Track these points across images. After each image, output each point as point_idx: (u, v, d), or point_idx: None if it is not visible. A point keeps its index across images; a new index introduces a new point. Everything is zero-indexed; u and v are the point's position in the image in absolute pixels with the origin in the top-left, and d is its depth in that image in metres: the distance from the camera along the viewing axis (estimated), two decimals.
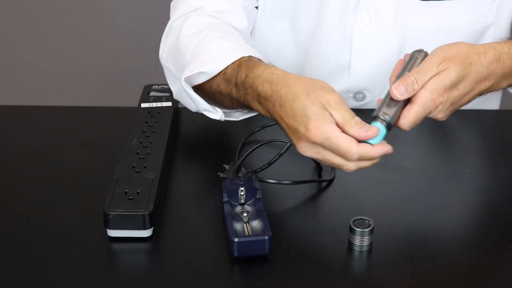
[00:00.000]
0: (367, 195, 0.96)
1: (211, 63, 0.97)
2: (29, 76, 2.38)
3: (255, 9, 1.21)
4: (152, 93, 1.14)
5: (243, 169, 0.95)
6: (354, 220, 0.84)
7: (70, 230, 0.88)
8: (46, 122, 1.16)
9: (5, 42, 2.35)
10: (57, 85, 2.38)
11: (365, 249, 0.84)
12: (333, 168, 0.99)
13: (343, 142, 0.81)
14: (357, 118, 0.83)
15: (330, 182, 0.97)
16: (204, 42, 1.03)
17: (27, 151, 1.06)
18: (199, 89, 1.01)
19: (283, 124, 0.86)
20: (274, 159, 0.93)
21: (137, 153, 0.96)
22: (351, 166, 0.83)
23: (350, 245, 0.84)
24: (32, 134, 1.12)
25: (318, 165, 0.99)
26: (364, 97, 1.22)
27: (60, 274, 0.80)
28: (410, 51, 0.92)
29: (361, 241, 0.83)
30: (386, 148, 0.83)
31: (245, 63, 0.93)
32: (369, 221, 0.84)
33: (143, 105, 1.11)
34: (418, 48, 0.91)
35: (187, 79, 0.99)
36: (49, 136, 1.11)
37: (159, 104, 1.10)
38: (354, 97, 1.22)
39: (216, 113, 1.02)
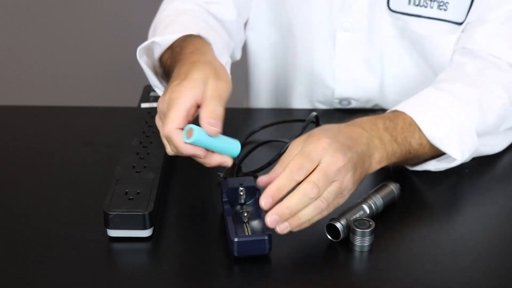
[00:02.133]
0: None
1: (164, 35, 0.99)
2: (29, 76, 2.38)
3: (249, 2, 1.22)
4: (152, 93, 1.14)
5: (242, 169, 0.95)
6: (355, 221, 0.84)
7: (70, 230, 0.88)
8: (46, 122, 1.16)
9: (5, 42, 2.36)
10: (57, 85, 2.38)
11: (365, 249, 0.84)
12: None
13: (177, 105, 0.81)
14: (219, 110, 0.81)
15: None
16: (172, 23, 1.05)
17: (27, 151, 1.06)
18: (166, 73, 1.01)
19: (173, 78, 0.86)
20: (274, 159, 0.93)
21: (137, 153, 0.96)
22: (162, 131, 0.83)
23: (351, 245, 0.84)
24: (32, 134, 1.12)
25: None
26: (349, 103, 1.22)
27: (60, 274, 0.80)
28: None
29: (361, 241, 0.83)
30: (199, 151, 0.82)
31: (193, 38, 0.94)
32: (369, 221, 0.84)
33: (143, 105, 1.11)
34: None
35: (150, 54, 1.01)
36: (49, 136, 1.11)
37: None
38: (340, 103, 1.23)
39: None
